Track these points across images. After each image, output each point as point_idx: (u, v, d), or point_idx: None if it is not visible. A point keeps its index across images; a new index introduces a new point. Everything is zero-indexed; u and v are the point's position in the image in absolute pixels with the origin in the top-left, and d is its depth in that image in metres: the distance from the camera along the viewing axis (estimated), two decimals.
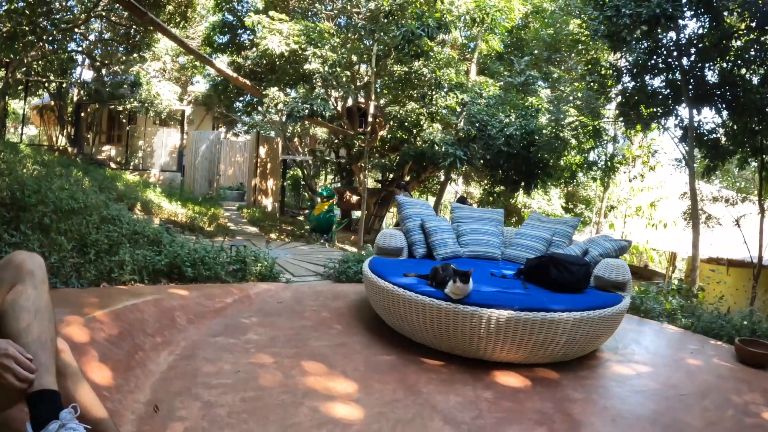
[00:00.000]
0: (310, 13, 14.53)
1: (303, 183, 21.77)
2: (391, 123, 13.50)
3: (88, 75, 18.43)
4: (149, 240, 5.56)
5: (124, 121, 20.02)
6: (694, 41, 10.27)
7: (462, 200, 10.31)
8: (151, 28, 13.80)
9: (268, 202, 18.58)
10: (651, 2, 9.31)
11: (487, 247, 5.00)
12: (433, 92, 11.55)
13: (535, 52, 14.26)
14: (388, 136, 14.40)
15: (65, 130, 17.97)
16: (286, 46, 11.04)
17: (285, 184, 20.45)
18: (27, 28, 12.97)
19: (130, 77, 16.52)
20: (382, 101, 13.89)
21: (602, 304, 3.51)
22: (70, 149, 16.85)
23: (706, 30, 10.03)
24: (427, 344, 3.52)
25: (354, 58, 12.08)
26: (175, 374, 2.87)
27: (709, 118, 11.28)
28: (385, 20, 11.15)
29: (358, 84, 13.12)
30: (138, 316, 3.33)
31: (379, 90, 13.52)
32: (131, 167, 18.72)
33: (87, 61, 17.72)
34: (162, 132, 20.03)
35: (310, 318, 4.16)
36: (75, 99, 18.19)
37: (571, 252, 4.43)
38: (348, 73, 12.37)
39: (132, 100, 16.63)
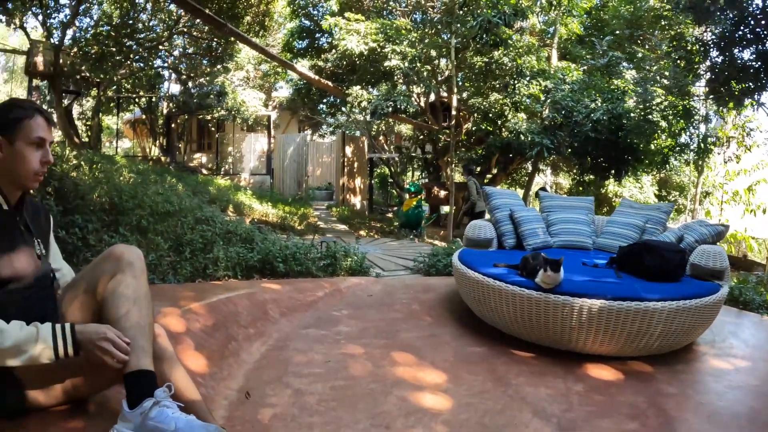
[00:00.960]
0: (384, 12, 14.59)
1: (390, 180, 21.94)
2: (475, 115, 13.30)
3: (175, 88, 19.54)
4: (241, 238, 5.77)
5: (213, 129, 21.02)
6: None
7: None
8: (232, 39, 14.38)
9: (356, 201, 18.82)
10: None
11: (578, 236, 4.82)
12: (516, 81, 11.25)
13: (617, 32, 13.56)
14: (474, 129, 14.19)
15: (157, 141, 19.09)
16: (365, 45, 11.15)
17: (372, 182, 20.66)
18: (114, 49, 13.85)
19: (216, 87, 17.30)
20: (464, 94, 13.72)
21: (699, 293, 3.27)
22: (163, 158, 17.89)
23: None
24: (517, 336, 3.44)
25: (433, 52, 12.01)
26: (266, 363, 2.94)
27: None
28: (461, 11, 10.96)
29: (439, 78, 13.01)
30: (232, 309, 3.43)
31: (460, 83, 13.35)
32: (222, 172, 19.60)
33: (173, 75, 18.73)
34: (250, 137, 20.85)
35: (401, 310, 4.15)
36: (165, 111, 19.26)
37: (665, 239, 4.20)
38: (428, 67, 12.30)
39: (219, 109, 17.41)
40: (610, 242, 4.69)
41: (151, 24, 15.67)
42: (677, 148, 12.20)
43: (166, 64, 18.47)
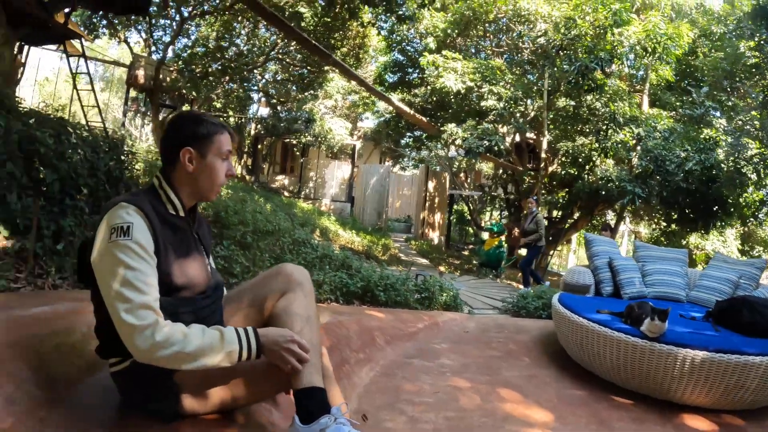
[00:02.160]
0: (474, 50, 14.86)
1: (469, 218, 21.99)
2: (562, 159, 13.26)
3: (263, 111, 20.44)
4: (337, 264, 6.02)
5: (298, 153, 21.81)
6: None
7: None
8: (326, 68, 15.00)
9: (434, 236, 19.01)
10: None
11: (672, 288, 4.86)
12: (608, 127, 11.19)
13: (712, 81, 13.29)
14: (561, 172, 14.12)
15: (243, 161, 19.92)
16: (462, 84, 11.40)
17: (450, 218, 20.80)
18: (213, 69, 14.71)
19: (304, 114, 17.95)
20: (550, 136, 13.76)
21: None
22: (248, 177, 18.69)
23: None
24: (615, 382, 3.52)
25: (519, 92, 12.14)
26: (377, 389, 3.12)
27: None
28: (556, 55, 11.09)
29: (527, 119, 13.11)
30: (344, 332, 3.65)
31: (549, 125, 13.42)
32: (302, 196, 20.25)
33: (263, 98, 19.63)
34: (333, 164, 21.52)
35: (498, 348, 4.28)
36: (252, 132, 20.16)
37: (760, 295, 4.23)
38: (521, 108, 12.44)
39: (306, 134, 18.03)
40: (704, 296, 4.71)
41: (244, 48, 16.54)
42: (766, 201, 11.80)
43: (256, 87, 19.38)
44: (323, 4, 11.57)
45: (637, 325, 3.37)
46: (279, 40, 15.99)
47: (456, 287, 6.49)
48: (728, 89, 13.24)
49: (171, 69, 15.84)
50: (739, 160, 10.48)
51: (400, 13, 8.29)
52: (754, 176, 10.71)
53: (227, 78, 15.64)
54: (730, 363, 3.06)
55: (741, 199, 11.57)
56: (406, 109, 12.99)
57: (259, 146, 20.89)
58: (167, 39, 15.84)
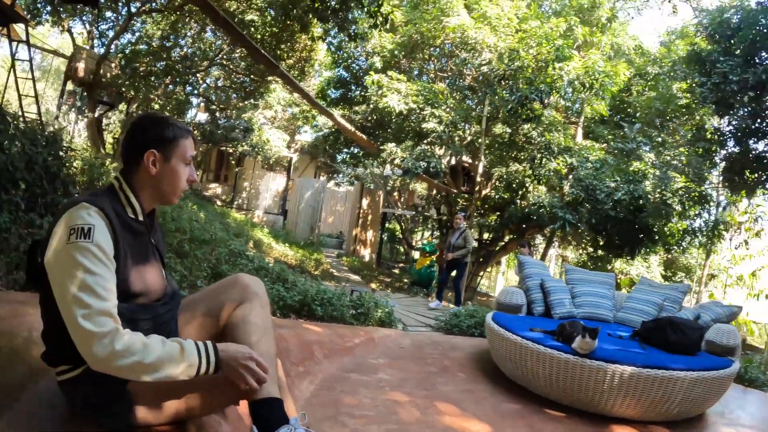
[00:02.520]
0: (418, 72, 15.17)
1: (400, 237, 22.17)
2: (496, 183, 13.68)
3: (201, 116, 19.99)
4: (273, 277, 5.97)
5: (233, 162, 21.41)
6: None
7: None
8: (270, 78, 14.87)
9: (365, 253, 19.05)
10: (757, 68, 9.40)
11: (600, 309, 5.10)
12: (543, 155, 11.68)
13: (643, 117, 14.21)
14: (495, 196, 14.54)
15: None
16: (405, 105, 11.60)
17: (382, 236, 20.94)
18: (157, 69, 14.28)
19: (243, 122, 17.69)
20: (485, 161, 14.18)
21: (715, 366, 3.60)
22: None
23: None
24: (548, 396, 3.68)
25: (459, 117, 12.49)
26: (318, 402, 3.14)
27: None
28: (498, 83, 11.50)
29: (463, 143, 13.46)
30: (284, 345, 3.64)
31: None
32: (235, 206, 19.89)
33: (202, 103, 19.18)
34: (268, 176, 21.28)
35: (433, 364, 4.37)
36: None
37: (683, 316, 4.50)
38: (460, 132, 12.77)
39: (243, 143, 17.76)
40: (630, 317, 4.99)
41: (188, 51, 16.14)
42: (690, 231, 12.64)
43: (196, 92, 18.91)
44: (274, 14, 11.48)
45: (568, 343, 3.55)
46: (225, 46, 15.74)
47: (390, 304, 6.55)
48: (659, 126, 14.17)
49: (113, 65, 15.25)
50: (666, 192, 11.22)
51: (351, 31, 8.36)
52: (678, 207, 11.50)
53: (169, 79, 15.16)
54: (656, 377, 3.29)
55: (666, 228, 12.28)
56: (348, 125, 13.03)
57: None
58: (112, 33, 15.21)
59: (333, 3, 7.42)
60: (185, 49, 16.04)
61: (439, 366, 4.35)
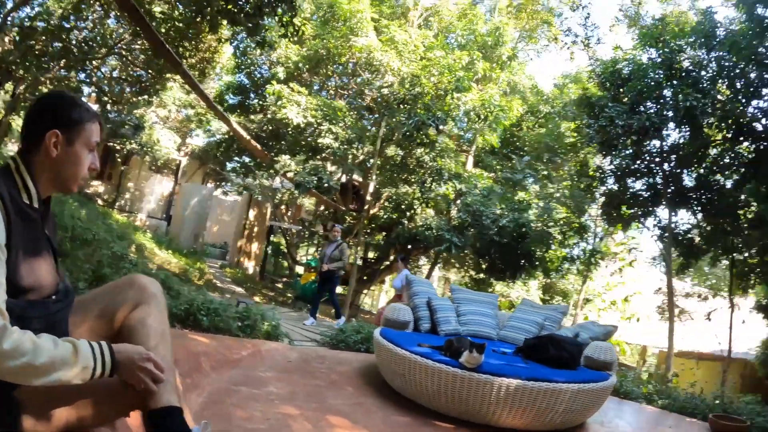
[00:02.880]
0: (318, 87, 15.24)
1: (285, 251, 21.91)
2: (386, 204, 13.95)
3: (91, 107, 18.58)
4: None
5: (120, 160, 20.16)
6: (675, 149, 11.46)
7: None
8: (168, 76, 14.25)
9: (249, 265, 18.70)
10: (641, 116, 10.38)
11: (484, 327, 5.33)
12: (434, 180, 12.11)
13: (532, 150, 15.26)
14: (383, 216, 14.80)
15: None
16: (304, 118, 11.59)
17: (267, 249, 20.63)
18: (53, 49, 13.14)
19: (134, 119, 16.75)
20: (375, 181, 14.45)
21: (594, 379, 3.91)
22: None
23: (686, 140, 11.23)
24: (437, 409, 3.79)
25: (355, 135, 12.68)
26: (209, 415, 3.03)
27: (685, 219, 12.38)
28: (397, 106, 11.82)
29: (356, 162, 13.63)
30: None
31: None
32: (118, 207, 18.72)
33: (93, 94, 17.79)
34: (154, 178, 20.26)
35: (322, 378, 4.37)
36: None
37: (563, 334, 4.83)
38: (354, 151, 12.93)
39: (132, 141, 16.83)
40: (512, 335, 5.26)
41: (87, 35, 14.93)
42: (569, 259, 13.62)
43: (89, 80, 17.50)
44: (183, 10, 10.95)
45: (456, 358, 3.69)
46: (126, 35, 14.78)
47: (277, 317, 6.48)
48: (546, 161, 15.25)
49: (6, 39, 13.76)
50: (548, 221, 12.07)
51: (260, 38, 8.23)
52: (559, 236, 12.46)
53: (63, 63, 13.91)
54: (540, 389, 3.51)
55: (546, 255, 13.15)
56: (243, 133, 12.69)
57: None
58: (10, 5, 13.73)
59: (247, 7, 7.28)
60: (84, 33, 14.86)
61: (328, 380, 4.35)
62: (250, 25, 7.60)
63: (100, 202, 18.05)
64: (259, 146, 12.88)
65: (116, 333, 1.76)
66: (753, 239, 10.90)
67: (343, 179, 15.29)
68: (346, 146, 12.00)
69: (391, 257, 15.24)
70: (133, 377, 1.55)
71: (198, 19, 9.35)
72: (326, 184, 11.50)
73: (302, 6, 10.48)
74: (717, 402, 5.41)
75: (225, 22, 8.24)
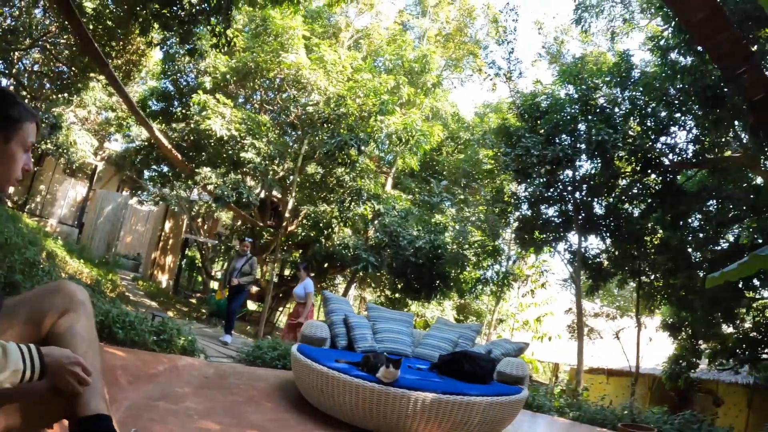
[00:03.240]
0: (243, 99, 15.14)
1: (200, 265, 21.38)
2: (303, 221, 14.00)
3: None
4: None
5: (32, 160, 18.99)
6: (587, 179, 12.31)
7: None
8: (92, 75, 13.67)
9: (163, 279, 18.19)
10: (556, 147, 11.10)
11: (400, 345, 5.54)
12: (352, 199, 12.30)
13: (450, 175, 15.83)
14: (301, 233, 14.78)
15: None
16: (227, 131, 11.49)
17: (182, 263, 20.06)
18: None
19: (51, 117, 15.91)
20: (294, 198, 14.47)
21: (507, 392, 4.19)
22: None
23: (597, 170, 12.12)
24: (355, 423, 3.93)
25: (277, 151, 12.70)
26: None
27: (594, 244, 13.36)
28: (321, 125, 11.98)
29: (276, 177, 13.58)
30: None
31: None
32: (27, 210, 17.62)
33: (11, 86, 16.65)
34: (68, 182, 19.20)
35: (239, 394, 4.42)
36: None
37: (477, 350, 5.12)
38: (274, 167, 12.91)
39: (48, 141, 15.90)
40: (427, 352, 5.50)
41: (11, 24, 13.97)
42: (483, 280, 14.18)
43: (7, 72, 16.27)
44: (116, 9, 10.49)
45: (373, 373, 3.86)
46: (53, 28, 13.95)
47: (193, 333, 6.41)
48: (463, 186, 15.87)
49: None
50: (463, 243, 12.55)
51: (191, 46, 8.13)
52: (473, 258, 12.94)
53: None
54: (456, 402, 3.74)
55: (461, 276, 13.63)
56: (165, 141, 12.25)
57: None
58: None
59: (181, 13, 7.23)
60: (9, 21, 13.90)
61: (245, 396, 4.40)
62: (182, 31, 7.55)
63: (9, 204, 16.92)
64: (179, 156, 12.57)
65: (43, 339, 1.71)
66: (658, 263, 11.86)
67: (262, 195, 15.19)
68: (267, 162, 12.00)
69: (312, 274, 15.26)
70: (61, 380, 1.54)
71: (130, 21, 9.10)
72: (245, 199, 11.42)
73: (236, 17, 10.41)
74: (626, 413, 5.93)
75: (157, 25, 8.09)
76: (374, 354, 4.20)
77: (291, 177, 13.17)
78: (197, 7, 7.16)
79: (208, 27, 7.68)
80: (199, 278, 22.30)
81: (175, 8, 7.45)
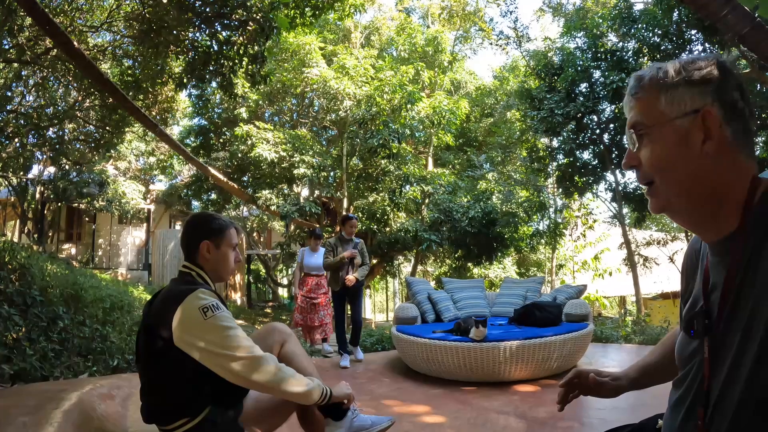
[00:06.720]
0: (277, 119, 15.97)
1: (266, 276, 22.28)
2: (359, 214, 14.79)
3: (48, 171, 17.42)
4: None
5: (87, 219, 20.03)
6: (612, 119, 12.60)
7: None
8: (126, 129, 14.26)
9: (236, 297, 19.19)
10: (577, 102, 11.51)
11: (478, 308, 6.37)
12: (401, 186, 13.07)
13: (485, 141, 16.45)
14: (360, 226, 15.54)
15: (25, 227, 16.97)
16: (276, 153, 12.35)
17: (249, 278, 21.09)
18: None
19: (96, 176, 16.66)
20: (345, 195, 15.24)
21: (576, 329, 4.95)
22: (35, 247, 16.18)
23: (620, 111, 12.49)
24: (459, 379, 4.76)
25: (325, 160, 13.52)
26: None
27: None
28: (358, 127, 12.75)
29: (325, 180, 14.44)
30: None
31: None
32: (92, 266, 18.58)
33: (47, 157, 16.65)
34: (125, 230, 20.27)
35: (360, 377, 5.32)
36: (38, 196, 17.20)
37: (543, 299, 5.95)
38: (324, 174, 13.74)
39: (99, 199, 16.80)
40: (503, 309, 6.33)
41: (27, 100, 13.78)
42: (536, 234, 14.81)
43: (40, 142, 16.44)
44: (144, 68, 10.54)
45: (466, 335, 4.71)
46: (81, 97, 14.44)
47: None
48: (498, 149, 16.44)
49: None
50: (511, 204, 13.19)
51: (231, 91, 8.37)
52: (524, 216, 13.57)
53: (9, 131, 13.30)
54: (536, 344, 4.54)
55: (515, 235, 14.31)
56: (221, 177, 12.85)
57: (45, 212, 18.55)
58: None
59: (213, 67, 7.56)
60: (27, 98, 14.16)
61: (366, 377, 5.26)
62: (220, 81, 7.86)
63: (75, 264, 17.88)
64: (235, 186, 13.40)
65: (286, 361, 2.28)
66: None
67: (313, 198, 16.00)
68: (317, 171, 12.85)
69: (374, 262, 16.05)
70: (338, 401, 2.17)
71: (161, 80, 9.43)
72: (308, 210, 12.26)
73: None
74: None
75: (192, 79, 8.25)
76: (463, 319, 5.02)
77: (338, 176, 13.83)
78: (234, 60, 7.46)
79: (243, 72, 7.89)
80: (264, 288, 23.17)
81: (212, 66, 7.62)
